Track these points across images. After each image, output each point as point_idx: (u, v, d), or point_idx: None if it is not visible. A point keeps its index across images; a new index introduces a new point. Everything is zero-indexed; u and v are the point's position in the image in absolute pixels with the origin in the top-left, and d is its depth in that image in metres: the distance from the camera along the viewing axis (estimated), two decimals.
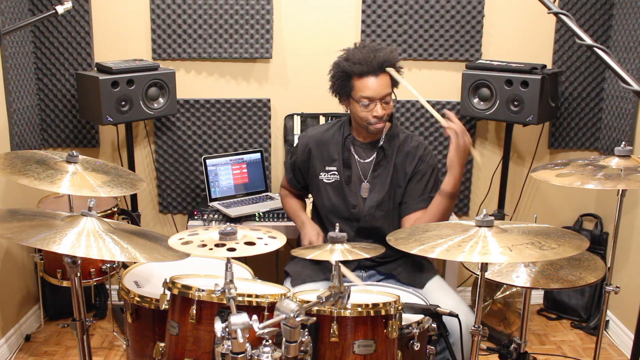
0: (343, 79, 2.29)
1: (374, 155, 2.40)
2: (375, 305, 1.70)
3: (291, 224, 2.67)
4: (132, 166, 3.20)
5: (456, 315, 1.95)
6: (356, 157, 2.41)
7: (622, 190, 2.13)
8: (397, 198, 2.39)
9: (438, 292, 2.27)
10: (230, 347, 1.44)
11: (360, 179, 2.40)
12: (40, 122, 3.25)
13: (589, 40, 1.43)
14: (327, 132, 2.46)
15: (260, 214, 2.98)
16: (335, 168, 2.41)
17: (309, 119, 3.28)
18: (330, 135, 2.44)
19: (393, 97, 2.31)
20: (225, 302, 1.54)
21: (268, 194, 3.24)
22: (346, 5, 3.21)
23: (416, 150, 2.38)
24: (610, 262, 2.24)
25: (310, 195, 2.60)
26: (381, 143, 2.37)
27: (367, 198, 2.39)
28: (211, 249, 1.53)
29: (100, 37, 3.20)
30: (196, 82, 3.28)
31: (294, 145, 2.54)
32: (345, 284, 1.64)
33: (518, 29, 3.26)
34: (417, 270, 2.38)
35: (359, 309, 1.68)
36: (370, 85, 2.24)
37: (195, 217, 3.01)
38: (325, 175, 2.43)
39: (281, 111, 3.32)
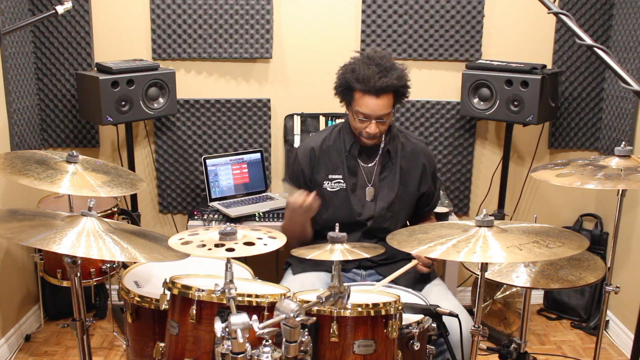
0: (346, 88, 2.29)
1: (377, 158, 2.40)
2: (375, 305, 1.70)
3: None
4: (132, 166, 3.20)
5: (456, 315, 1.95)
6: (360, 162, 2.41)
7: (622, 190, 2.13)
8: (405, 198, 2.40)
9: (437, 296, 2.26)
10: (230, 347, 1.44)
11: (365, 184, 2.40)
12: (40, 122, 3.24)
13: (589, 40, 1.43)
14: (327, 140, 2.43)
15: (260, 214, 2.98)
16: (340, 176, 2.39)
17: (309, 119, 3.28)
18: (331, 143, 2.42)
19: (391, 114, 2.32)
20: (225, 302, 1.54)
21: (268, 194, 3.23)
22: (346, 5, 3.21)
23: (419, 150, 2.44)
24: (610, 262, 2.23)
25: None
26: (387, 147, 2.38)
27: (377, 200, 2.38)
28: (211, 249, 1.53)
29: (100, 37, 3.20)
30: (196, 82, 3.28)
31: (294, 158, 2.49)
32: (346, 283, 1.64)
33: (518, 29, 3.26)
34: (416, 274, 2.37)
35: (359, 309, 1.68)
36: (369, 104, 2.23)
37: (195, 217, 3.01)
38: (329, 184, 2.40)
39: (281, 111, 3.32)
